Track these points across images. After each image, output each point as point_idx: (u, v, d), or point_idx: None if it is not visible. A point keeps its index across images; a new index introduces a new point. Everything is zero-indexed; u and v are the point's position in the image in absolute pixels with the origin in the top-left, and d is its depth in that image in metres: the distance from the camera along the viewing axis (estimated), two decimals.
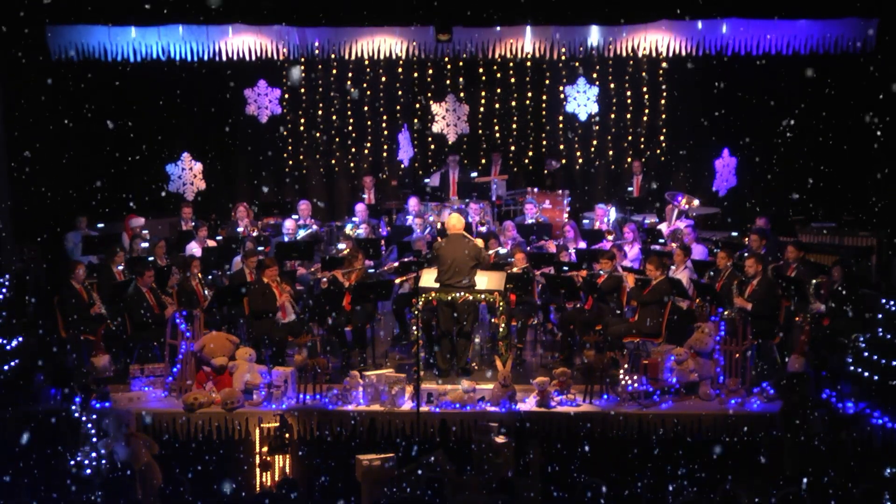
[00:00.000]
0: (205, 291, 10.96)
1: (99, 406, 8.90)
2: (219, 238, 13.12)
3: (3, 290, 9.51)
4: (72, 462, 8.20)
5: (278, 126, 15.57)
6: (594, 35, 14.56)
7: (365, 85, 15.63)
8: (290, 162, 15.83)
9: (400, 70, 15.51)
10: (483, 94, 15.68)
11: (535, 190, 14.77)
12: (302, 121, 15.75)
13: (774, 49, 14.21)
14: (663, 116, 15.54)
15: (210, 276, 11.65)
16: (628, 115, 15.59)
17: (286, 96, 15.45)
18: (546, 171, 15.37)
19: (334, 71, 15.57)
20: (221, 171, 15.56)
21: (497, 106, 15.74)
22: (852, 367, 9.09)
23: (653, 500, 8.23)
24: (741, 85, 14.73)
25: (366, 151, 15.88)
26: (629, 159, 15.56)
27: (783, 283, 10.21)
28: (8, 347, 9.20)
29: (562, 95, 15.46)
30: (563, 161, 15.67)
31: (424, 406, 9.13)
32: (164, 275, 10.86)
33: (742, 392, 9.39)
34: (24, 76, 13.20)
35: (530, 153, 15.79)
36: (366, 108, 15.76)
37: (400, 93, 15.67)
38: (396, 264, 11.42)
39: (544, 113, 15.74)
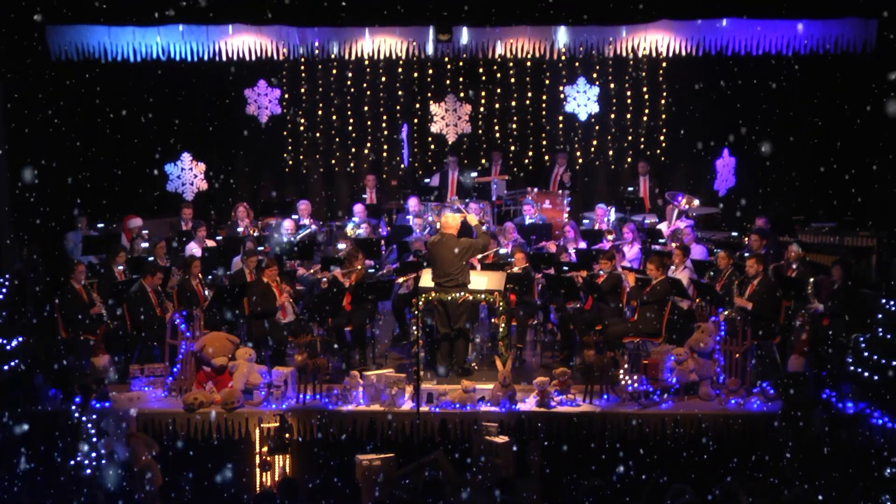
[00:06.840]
0: (205, 291, 10.96)
1: (99, 406, 8.89)
2: (219, 238, 13.12)
3: (3, 290, 9.50)
4: (72, 462, 8.20)
5: (278, 126, 15.56)
6: (594, 35, 14.55)
7: (365, 85, 15.63)
8: (290, 162, 15.83)
9: (400, 70, 15.51)
10: (483, 94, 15.68)
11: (535, 190, 14.75)
12: (302, 121, 15.75)
13: (774, 49, 14.21)
14: (663, 116, 15.52)
15: (210, 276, 11.65)
16: (628, 115, 15.58)
17: (286, 96, 15.46)
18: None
19: (334, 71, 15.57)
20: (221, 171, 15.55)
21: (497, 106, 15.74)
22: (852, 367, 9.07)
23: (652, 499, 8.22)
24: (741, 85, 14.72)
25: (366, 151, 15.88)
26: (629, 159, 15.55)
27: (783, 283, 10.21)
28: (8, 347, 9.19)
29: (562, 95, 15.45)
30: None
31: (424, 406, 9.13)
32: (164, 275, 10.86)
33: (742, 392, 9.39)
34: (24, 76, 13.20)
35: (530, 153, 15.78)
36: (366, 108, 15.75)
37: (400, 93, 15.67)
38: (397, 266, 11.41)
39: (544, 113, 15.74)
